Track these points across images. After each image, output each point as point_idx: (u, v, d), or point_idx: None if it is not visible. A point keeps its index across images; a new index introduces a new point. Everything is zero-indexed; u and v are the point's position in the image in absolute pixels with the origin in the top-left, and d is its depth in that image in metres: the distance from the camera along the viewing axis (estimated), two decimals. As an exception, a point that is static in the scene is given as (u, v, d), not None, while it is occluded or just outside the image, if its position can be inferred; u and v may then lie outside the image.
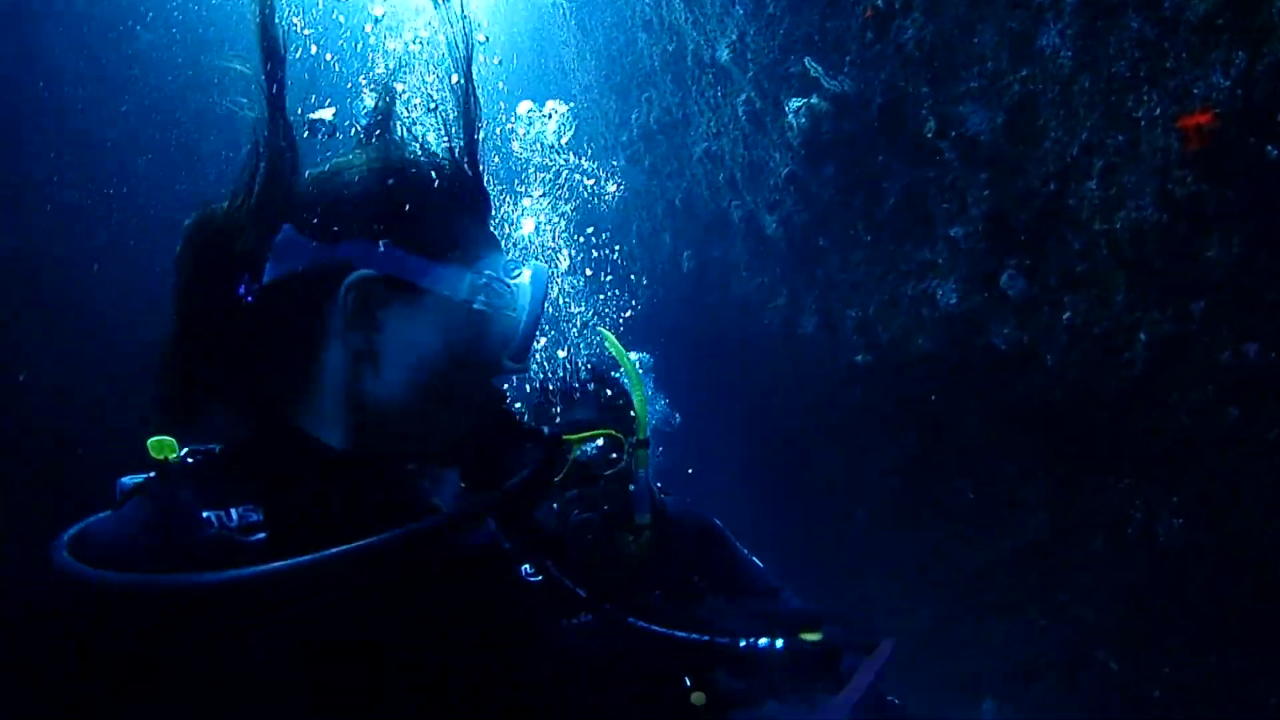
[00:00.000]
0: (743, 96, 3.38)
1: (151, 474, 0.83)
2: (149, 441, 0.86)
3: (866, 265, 3.35)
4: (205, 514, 0.74)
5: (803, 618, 1.69)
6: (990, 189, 2.70)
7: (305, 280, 0.83)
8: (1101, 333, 2.60)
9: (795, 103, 3.07)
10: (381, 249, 0.86)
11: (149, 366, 0.88)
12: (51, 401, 3.90)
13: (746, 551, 2.55)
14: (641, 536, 2.17)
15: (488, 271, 0.91)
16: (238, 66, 0.86)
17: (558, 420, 2.33)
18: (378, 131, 0.98)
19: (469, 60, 0.96)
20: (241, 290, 0.82)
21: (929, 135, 2.78)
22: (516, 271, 0.94)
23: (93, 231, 4.12)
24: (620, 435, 2.22)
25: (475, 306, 0.89)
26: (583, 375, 2.51)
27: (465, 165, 0.96)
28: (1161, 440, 2.67)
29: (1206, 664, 3.02)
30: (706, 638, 1.58)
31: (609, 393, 2.40)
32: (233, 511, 0.76)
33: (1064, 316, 2.68)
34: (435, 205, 0.91)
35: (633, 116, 4.20)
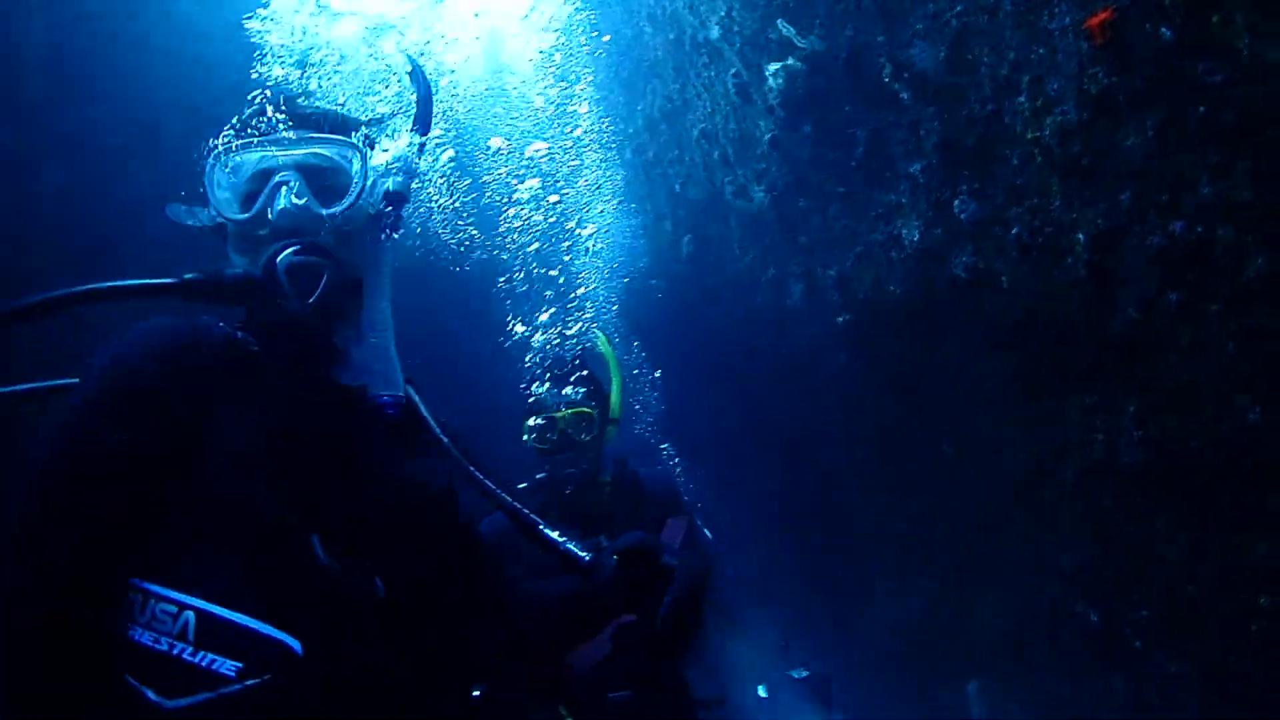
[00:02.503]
0: (732, 71, 3.76)
1: None
2: None
3: (842, 219, 3.65)
4: None
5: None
6: (939, 120, 3.00)
7: None
8: (1045, 241, 2.84)
9: (773, 66, 3.44)
10: None
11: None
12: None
13: (700, 522, 3.36)
14: (603, 491, 3.02)
15: None
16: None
17: (545, 395, 3.15)
18: None
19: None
20: None
21: (886, 79, 3.11)
22: None
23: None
24: (593, 413, 3.03)
25: None
26: (569, 357, 3.31)
27: None
28: (1113, 346, 2.85)
29: (1179, 597, 3.07)
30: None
31: (587, 375, 3.19)
32: None
33: (1012, 232, 2.94)
34: None
35: (639, 108, 4.62)
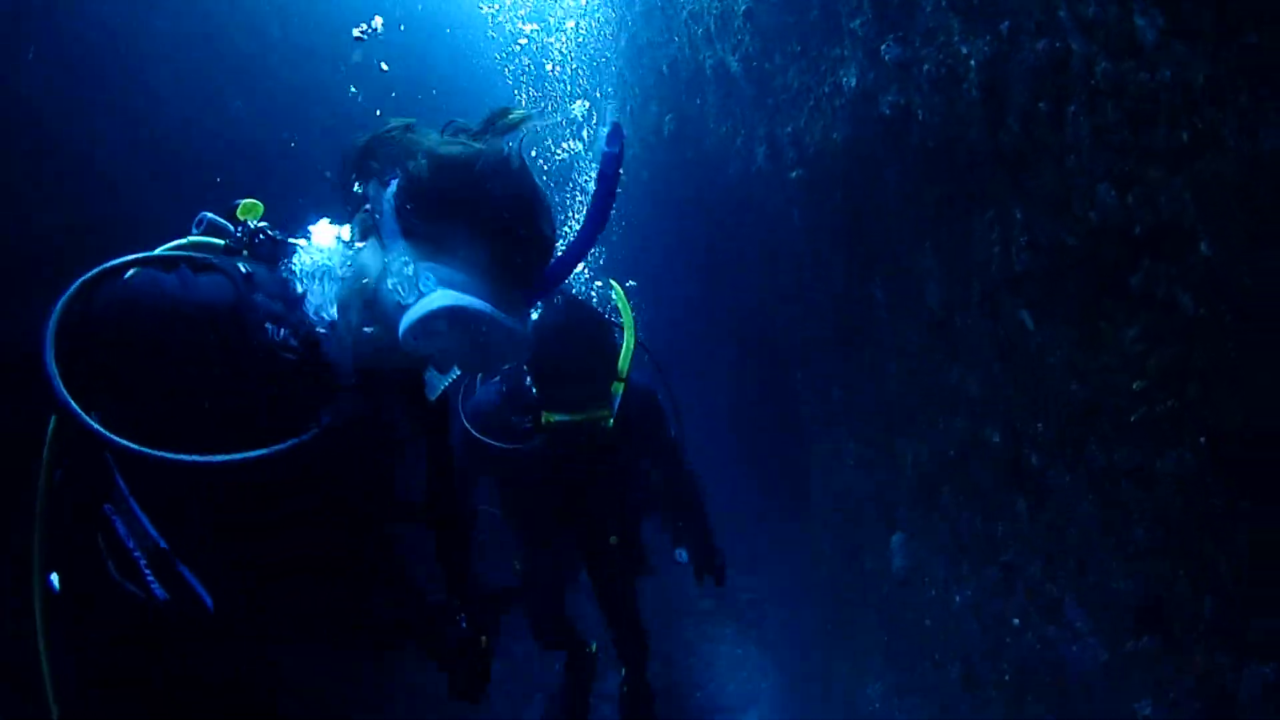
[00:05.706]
0: (715, -49, 4.43)
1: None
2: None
3: (800, 76, 4.29)
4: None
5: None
6: (874, -23, 3.65)
7: None
8: (947, 73, 3.48)
9: (746, -61, 4.09)
10: None
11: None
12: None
13: (674, 429, 3.98)
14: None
15: None
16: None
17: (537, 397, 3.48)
18: None
19: None
20: None
21: (835, -54, 3.76)
22: None
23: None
24: (608, 413, 3.36)
25: None
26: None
27: None
28: (1004, 160, 3.41)
29: (1068, 403, 3.46)
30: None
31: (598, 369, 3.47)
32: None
33: (924, 69, 3.57)
34: None
35: (638, -3, 5.26)
